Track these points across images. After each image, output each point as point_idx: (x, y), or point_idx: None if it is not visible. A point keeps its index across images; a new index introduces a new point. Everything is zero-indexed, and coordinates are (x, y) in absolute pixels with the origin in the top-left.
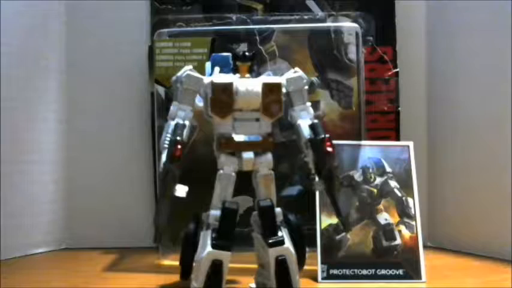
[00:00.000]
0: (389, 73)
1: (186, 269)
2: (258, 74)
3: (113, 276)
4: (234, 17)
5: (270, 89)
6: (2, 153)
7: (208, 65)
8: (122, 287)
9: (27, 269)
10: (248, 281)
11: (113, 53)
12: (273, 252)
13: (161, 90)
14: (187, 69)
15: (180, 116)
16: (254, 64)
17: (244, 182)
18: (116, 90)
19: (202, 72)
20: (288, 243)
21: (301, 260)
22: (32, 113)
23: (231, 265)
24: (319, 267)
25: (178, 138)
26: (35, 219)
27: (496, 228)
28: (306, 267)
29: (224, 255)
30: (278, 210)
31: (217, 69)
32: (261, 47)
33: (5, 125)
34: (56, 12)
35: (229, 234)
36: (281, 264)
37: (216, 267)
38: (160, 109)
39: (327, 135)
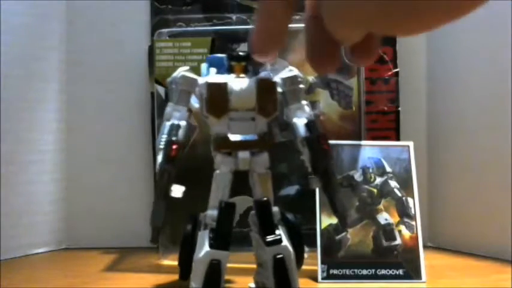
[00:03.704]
0: (389, 73)
1: (185, 269)
2: (256, 74)
3: (112, 276)
4: (234, 17)
5: (265, 88)
6: (2, 153)
7: (203, 66)
8: (121, 287)
9: (27, 269)
10: (247, 281)
11: (113, 53)
12: (271, 250)
13: (161, 90)
14: (182, 70)
15: (175, 116)
16: (249, 64)
17: (244, 182)
18: (116, 90)
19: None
20: (286, 242)
21: (299, 259)
22: (32, 113)
23: (230, 265)
24: (319, 267)
25: (173, 138)
26: (35, 219)
27: (496, 228)
28: (306, 267)
29: (222, 254)
30: (275, 209)
31: (213, 70)
32: None
33: (5, 125)
34: (56, 12)
35: (227, 234)
36: (279, 262)
37: (215, 267)
38: (160, 109)
39: (322, 133)
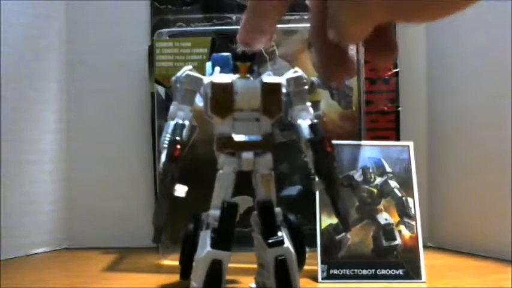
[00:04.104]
0: (389, 73)
1: (185, 268)
2: (258, 74)
3: (113, 276)
4: (234, 17)
5: (270, 89)
6: (2, 153)
7: (208, 65)
8: (121, 287)
9: (27, 269)
10: (248, 281)
11: (113, 53)
12: (273, 252)
13: (161, 90)
14: (186, 69)
15: (179, 116)
16: (254, 64)
17: (245, 182)
18: (116, 90)
19: (202, 72)
20: (288, 243)
21: (301, 260)
22: (32, 113)
23: (231, 265)
24: (319, 267)
25: (177, 138)
26: (35, 219)
27: (496, 228)
28: (306, 267)
29: (224, 254)
30: (278, 210)
31: (217, 69)
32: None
33: (5, 125)
34: (56, 12)
35: (229, 234)
36: (281, 264)
37: (216, 267)
38: (160, 109)
39: (327, 136)
